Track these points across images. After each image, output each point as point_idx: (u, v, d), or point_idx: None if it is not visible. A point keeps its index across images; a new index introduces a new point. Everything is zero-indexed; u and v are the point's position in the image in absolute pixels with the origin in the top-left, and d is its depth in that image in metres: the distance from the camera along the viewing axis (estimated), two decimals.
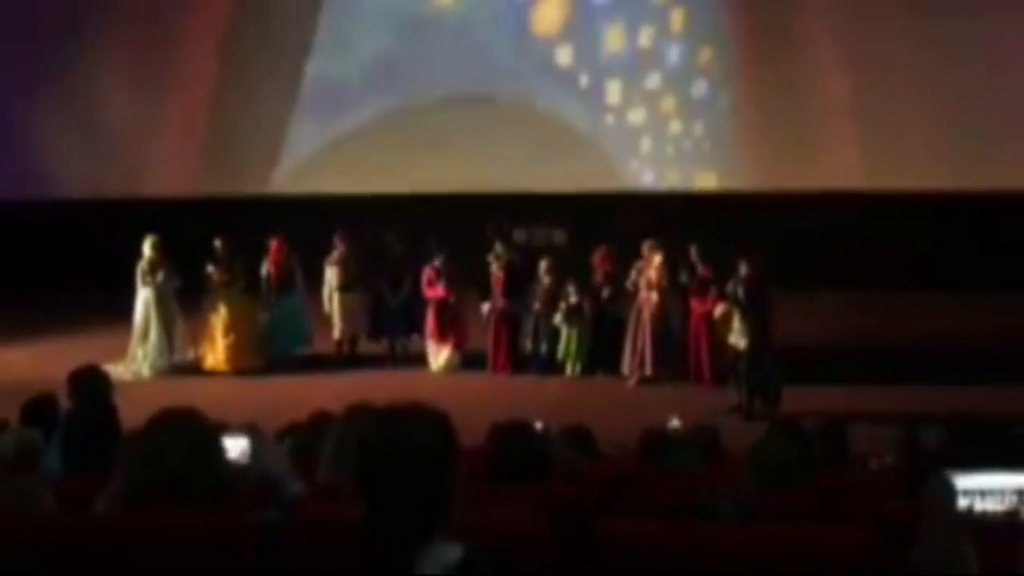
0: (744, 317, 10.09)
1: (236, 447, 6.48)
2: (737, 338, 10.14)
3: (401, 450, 2.08)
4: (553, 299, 11.41)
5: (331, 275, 11.97)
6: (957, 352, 11.40)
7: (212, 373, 11.53)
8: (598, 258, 11.51)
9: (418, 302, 11.89)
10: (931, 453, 5.06)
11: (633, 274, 11.11)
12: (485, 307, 11.54)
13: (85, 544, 2.77)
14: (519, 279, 11.58)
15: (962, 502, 3.39)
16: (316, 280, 12.03)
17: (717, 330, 10.73)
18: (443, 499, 2.09)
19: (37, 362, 11.18)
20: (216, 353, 11.59)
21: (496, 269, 11.58)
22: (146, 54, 15.48)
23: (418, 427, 2.12)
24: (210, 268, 11.59)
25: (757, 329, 10.05)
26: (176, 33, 15.55)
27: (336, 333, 12.07)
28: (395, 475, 2.07)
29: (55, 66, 15.32)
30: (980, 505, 3.48)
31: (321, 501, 3.29)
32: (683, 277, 10.97)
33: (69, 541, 2.80)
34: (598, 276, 11.48)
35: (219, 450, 2.97)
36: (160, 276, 11.49)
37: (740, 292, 10.12)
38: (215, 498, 2.83)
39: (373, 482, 2.09)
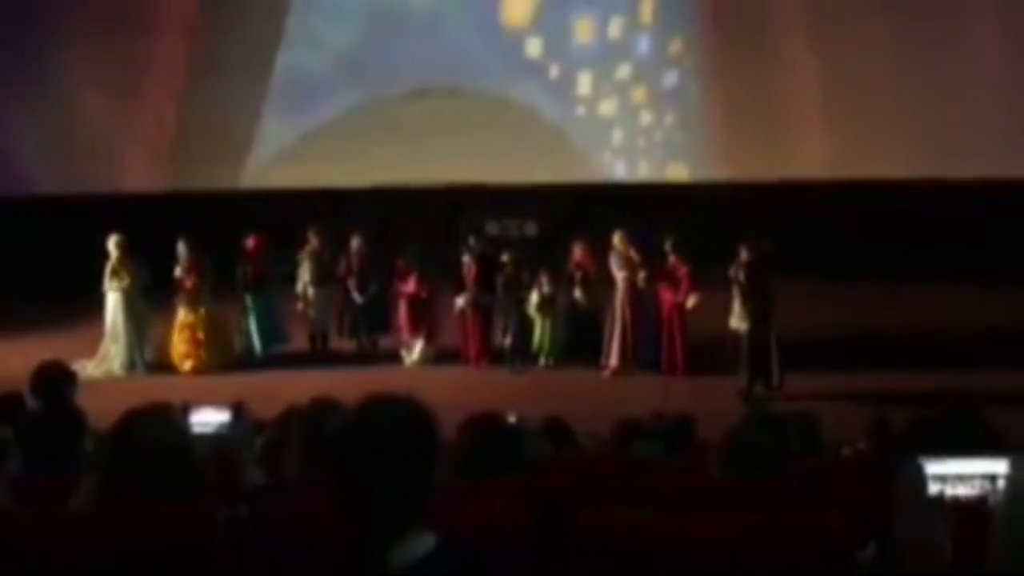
0: (745, 302, 10.17)
1: (215, 419, 6.47)
2: (737, 322, 10.22)
3: (376, 442, 2.07)
4: (517, 290, 11.41)
5: (304, 269, 11.92)
6: (928, 339, 11.51)
7: (180, 371, 11.46)
8: (578, 251, 11.50)
9: (386, 298, 11.87)
10: (902, 439, 5.09)
11: (612, 264, 11.14)
12: (459, 301, 11.53)
13: (58, 541, 2.76)
14: (492, 272, 11.56)
15: (933, 488, 3.42)
16: (288, 275, 11.98)
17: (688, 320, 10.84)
18: (419, 492, 2.09)
19: (5, 360, 11.06)
20: (197, 355, 11.51)
21: (469, 262, 11.57)
22: (115, 49, 15.34)
23: (394, 419, 2.11)
24: (178, 272, 11.51)
25: (758, 313, 10.13)
26: (145, 28, 15.42)
27: (310, 328, 12.02)
28: (371, 467, 2.06)
29: (22, 62, 15.15)
30: (951, 491, 3.51)
31: (291, 496, 3.28)
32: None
33: (42, 538, 2.78)
34: (575, 269, 11.48)
35: (190, 447, 2.97)
36: (124, 278, 11.40)
37: (741, 277, 10.19)
38: (187, 494, 2.82)
39: (349, 474, 2.08)
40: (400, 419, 2.11)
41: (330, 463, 2.10)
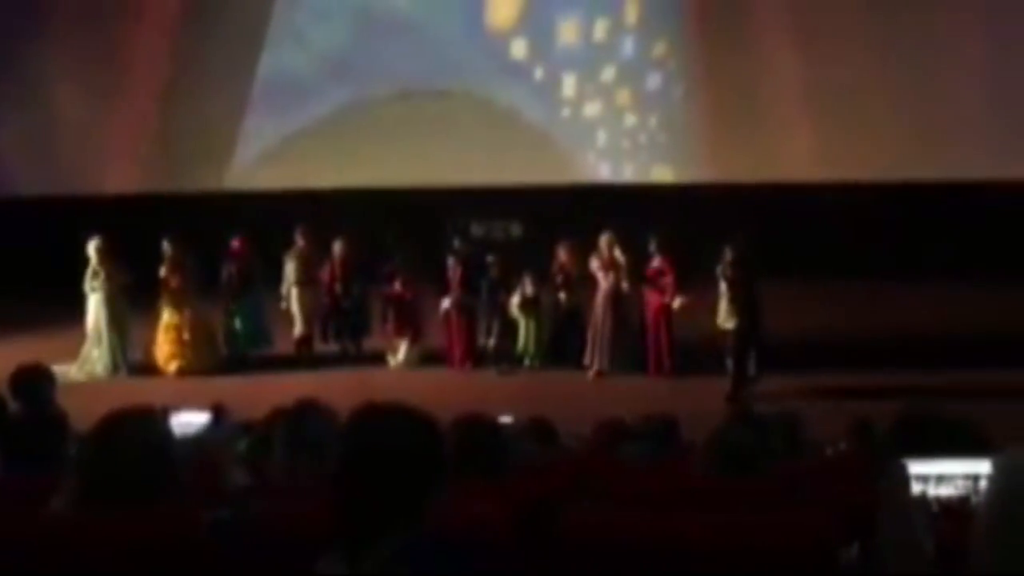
0: (732, 301, 10.22)
1: (194, 421, 6.47)
2: (724, 320, 10.27)
3: (389, 449, 2.10)
4: (501, 292, 11.40)
5: (290, 270, 11.87)
6: (912, 339, 11.54)
7: (164, 373, 11.43)
8: (562, 253, 11.50)
9: (367, 300, 11.84)
10: (885, 440, 5.12)
11: (594, 265, 11.15)
12: (444, 302, 11.51)
13: (39, 543, 2.74)
14: (477, 274, 11.55)
15: (916, 488, 3.44)
16: (272, 276, 11.95)
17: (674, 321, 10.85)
18: (420, 500, 2.12)
19: None
20: (183, 355, 11.48)
21: (454, 264, 11.56)
22: (98, 50, 15.27)
23: (407, 428, 2.15)
24: (163, 272, 11.46)
25: (744, 313, 10.18)
26: (127, 28, 15.35)
27: (297, 330, 11.97)
28: (379, 474, 2.08)
29: (2, 62, 15.07)
30: (933, 491, 3.53)
31: (275, 497, 3.27)
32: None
33: (22, 540, 2.76)
34: (559, 270, 11.47)
35: (172, 449, 2.96)
36: (104, 281, 11.36)
37: (728, 275, 10.24)
38: (169, 497, 2.81)
39: (355, 478, 2.10)
40: (415, 430, 2.16)
41: (340, 468, 2.13)
